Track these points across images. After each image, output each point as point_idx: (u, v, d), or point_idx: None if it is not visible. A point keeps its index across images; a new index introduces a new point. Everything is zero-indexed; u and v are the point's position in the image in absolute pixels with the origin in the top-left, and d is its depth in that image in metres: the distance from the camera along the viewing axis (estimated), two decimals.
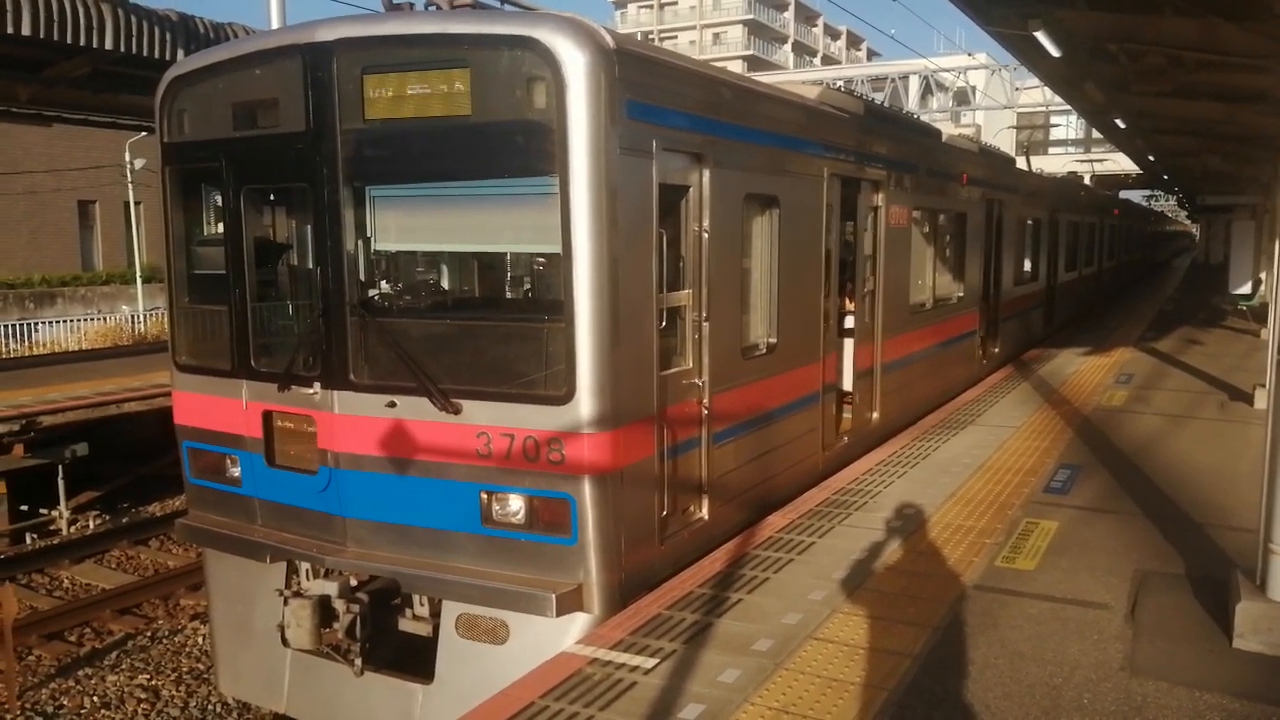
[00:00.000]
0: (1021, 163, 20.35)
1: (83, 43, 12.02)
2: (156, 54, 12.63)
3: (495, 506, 5.58)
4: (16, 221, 35.21)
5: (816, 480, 8.27)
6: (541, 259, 6.04)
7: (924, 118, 22.18)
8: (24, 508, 12.40)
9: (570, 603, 5.42)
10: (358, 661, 5.98)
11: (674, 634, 5.21)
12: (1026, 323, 17.57)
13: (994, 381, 13.71)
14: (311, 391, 5.97)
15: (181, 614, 10.09)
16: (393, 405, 5.76)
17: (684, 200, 6.26)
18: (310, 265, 6.14)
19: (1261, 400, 11.19)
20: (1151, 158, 28.68)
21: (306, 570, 6.32)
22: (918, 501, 7.62)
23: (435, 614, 5.91)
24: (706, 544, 6.53)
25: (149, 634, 9.59)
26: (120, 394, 13.74)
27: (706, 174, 6.28)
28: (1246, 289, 23.36)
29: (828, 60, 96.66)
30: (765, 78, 20.00)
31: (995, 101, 33.54)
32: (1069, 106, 22.70)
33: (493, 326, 6.03)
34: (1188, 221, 78.85)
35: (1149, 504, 7.65)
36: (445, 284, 6.71)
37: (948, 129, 14.56)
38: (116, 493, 13.66)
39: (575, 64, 5.16)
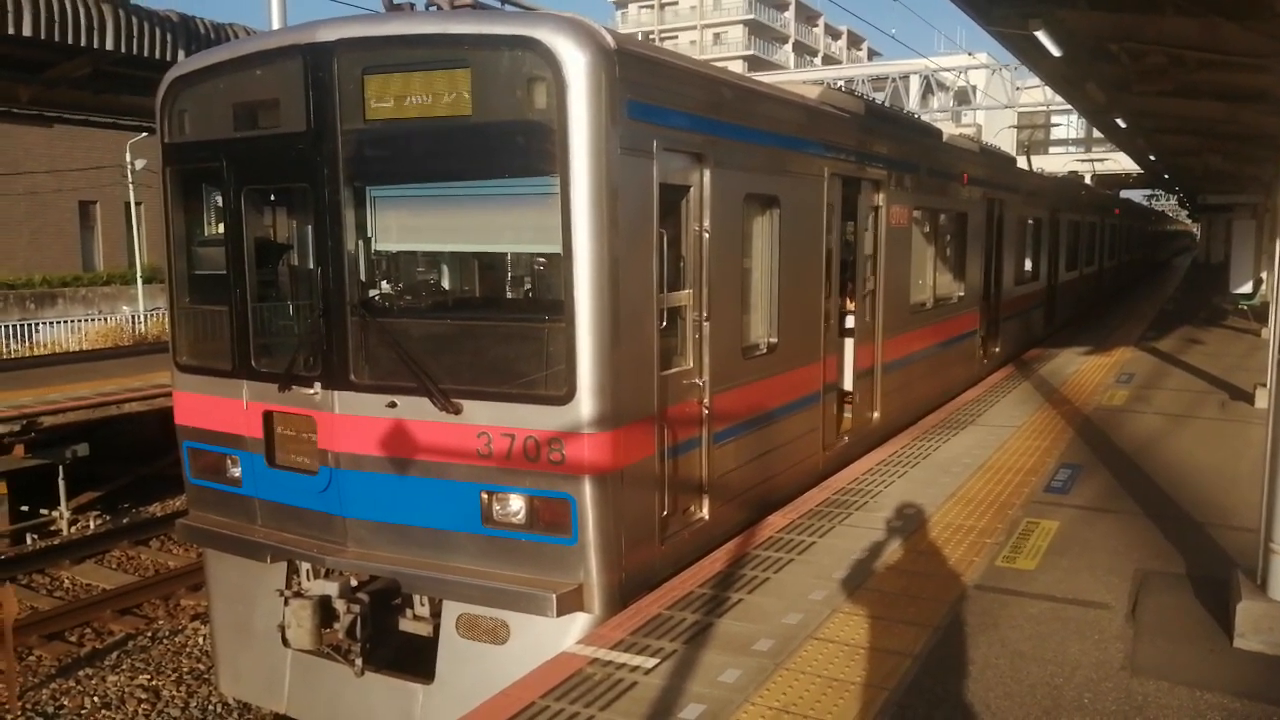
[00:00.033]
0: (1022, 162, 20.34)
1: (83, 43, 12.03)
2: (157, 55, 12.64)
3: (496, 506, 5.58)
4: (17, 222, 35.22)
5: (817, 480, 8.27)
6: (542, 259, 6.05)
7: (925, 117, 22.17)
8: (25, 508, 12.41)
9: (571, 603, 5.42)
10: (358, 662, 5.98)
11: (674, 634, 5.21)
12: (1027, 322, 17.56)
13: (994, 381, 13.71)
14: (312, 392, 5.97)
15: (182, 614, 10.09)
16: (393, 405, 5.76)
17: (684, 200, 6.26)
18: (311, 265, 6.14)
19: (1262, 399, 11.19)
20: (1152, 157, 28.67)
21: (307, 570, 6.32)
22: (918, 501, 7.62)
23: (436, 614, 5.91)
24: (707, 544, 6.53)
25: (149, 634, 9.59)
26: (121, 394, 13.74)
27: (707, 174, 6.28)
28: (1247, 288, 23.36)
29: (828, 60, 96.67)
30: (766, 77, 20.00)
31: (996, 101, 33.55)
32: (1070, 106, 22.69)
33: (493, 326, 6.03)
34: (1188, 221, 78.85)
35: (1150, 503, 7.65)
36: (446, 284, 6.71)
37: (948, 129, 14.57)
38: (117, 493, 13.67)
39: (576, 64, 5.16)
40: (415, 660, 6.05)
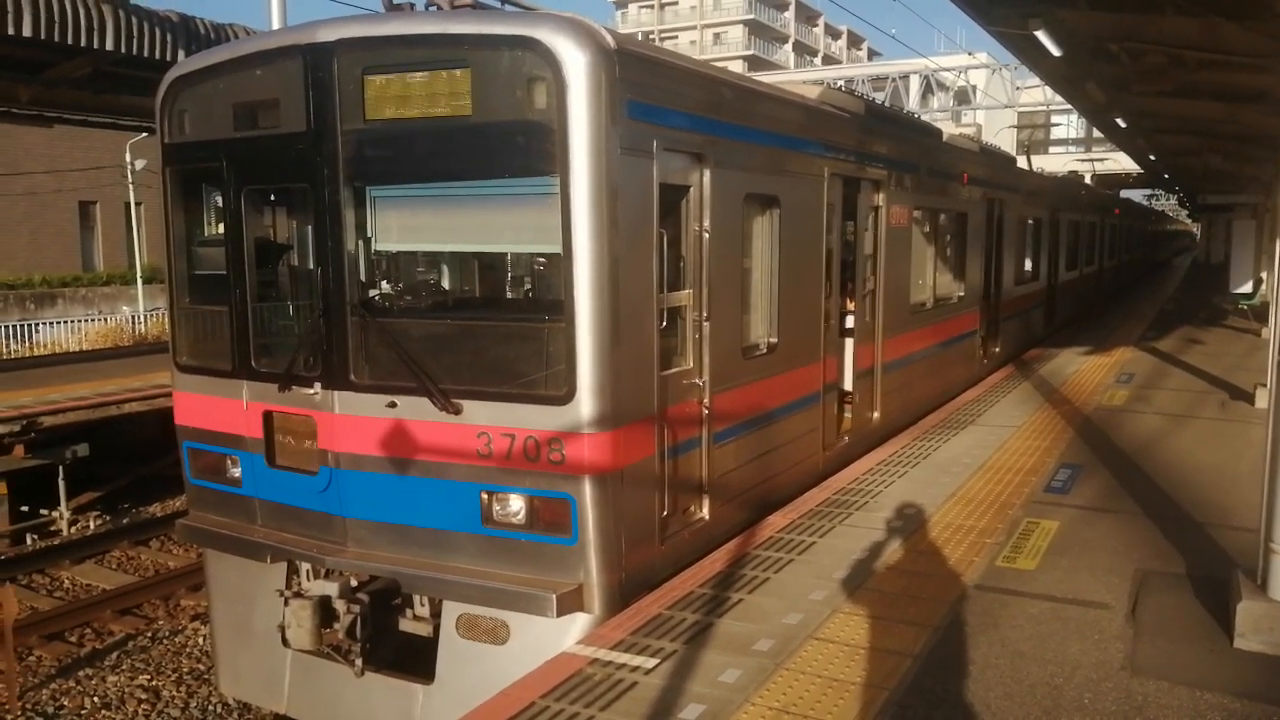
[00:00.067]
0: (1022, 162, 20.34)
1: (83, 44, 12.04)
2: (157, 55, 12.65)
3: (496, 506, 5.58)
4: (17, 222, 35.20)
5: (817, 480, 8.27)
6: (542, 259, 6.05)
7: (925, 117, 22.17)
8: (24, 508, 12.40)
9: (571, 603, 5.42)
10: (358, 662, 5.98)
11: (674, 634, 5.21)
12: (1027, 322, 17.56)
13: (994, 381, 13.71)
14: (312, 392, 5.97)
15: (182, 614, 10.09)
16: (393, 405, 5.76)
17: (685, 200, 6.26)
18: (311, 265, 6.14)
19: (1262, 399, 11.19)
20: (1152, 157, 28.68)
21: (307, 570, 6.32)
22: (918, 501, 7.62)
23: (436, 614, 5.91)
24: (707, 544, 6.53)
25: (149, 634, 9.59)
26: (121, 394, 13.74)
27: (707, 174, 6.28)
28: (1247, 288, 23.36)
29: (828, 60, 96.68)
30: (766, 77, 20.00)
31: (996, 101, 33.55)
32: (1070, 106, 22.69)
33: (493, 326, 6.03)
34: (1188, 221, 78.87)
35: (1150, 503, 7.65)
36: (446, 284, 6.71)
37: (948, 128, 14.58)
38: (117, 493, 13.67)
39: (576, 64, 5.16)
40: (415, 660, 6.05)
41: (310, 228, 6.08)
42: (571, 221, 5.23)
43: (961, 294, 12.78)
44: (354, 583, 6.12)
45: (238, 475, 6.50)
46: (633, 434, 5.60)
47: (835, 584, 5.92)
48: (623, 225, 5.40)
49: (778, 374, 7.42)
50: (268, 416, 6.26)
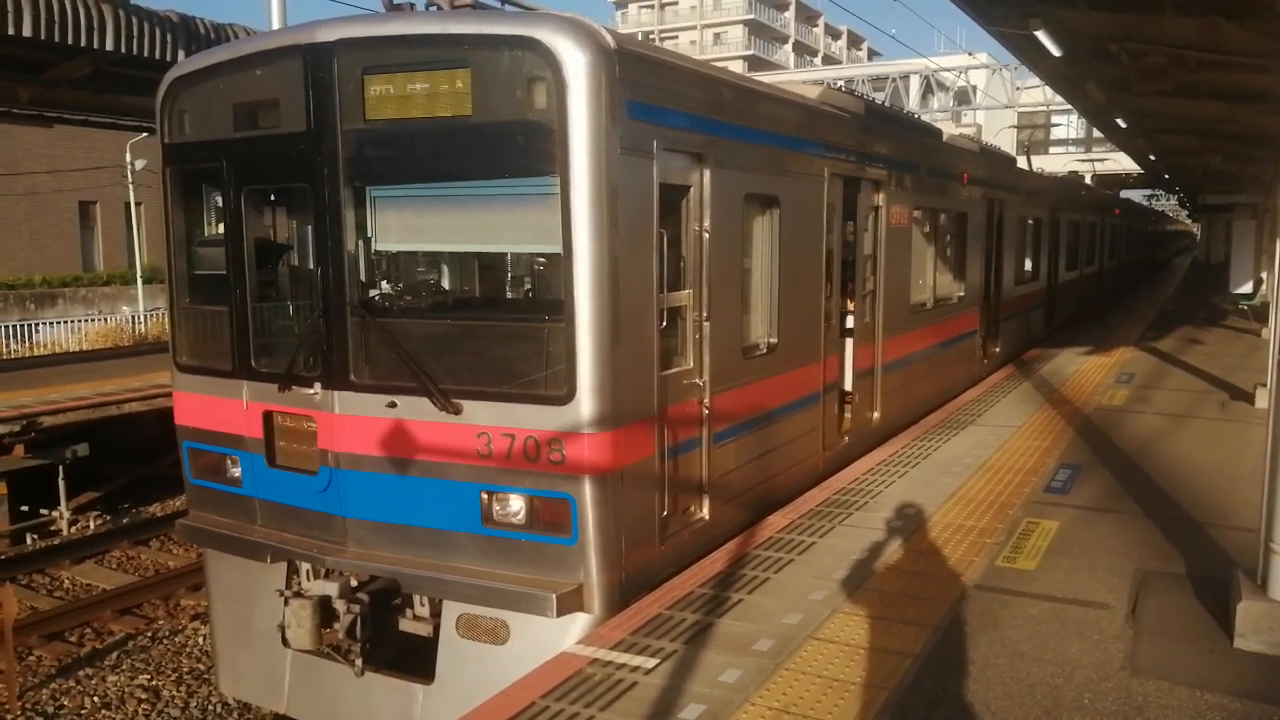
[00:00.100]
0: (1022, 162, 20.35)
1: (83, 44, 12.04)
2: (157, 55, 12.64)
3: (496, 506, 5.58)
4: (17, 222, 35.21)
5: (817, 480, 8.27)
6: (542, 259, 6.04)
7: (925, 117, 22.17)
8: (24, 508, 12.41)
9: (571, 603, 5.42)
10: (358, 662, 5.98)
11: (674, 634, 5.21)
12: (1027, 322, 17.57)
13: (995, 381, 13.71)
14: (312, 392, 5.97)
15: (182, 614, 10.09)
16: (393, 405, 5.76)
17: (685, 200, 6.26)
18: (311, 265, 6.14)
19: (1262, 400, 11.18)
20: (1152, 157, 28.68)
21: (307, 570, 6.32)
22: (918, 501, 7.62)
23: (436, 614, 5.91)
24: (707, 544, 6.53)
25: (149, 634, 9.59)
26: (121, 394, 13.74)
27: (707, 174, 6.28)
28: (1247, 288, 23.37)
29: (828, 60, 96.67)
30: (766, 77, 20.00)
31: (996, 101, 33.55)
32: (1070, 106, 22.69)
33: (493, 326, 6.03)
34: (1188, 221, 78.85)
35: (1150, 503, 7.65)
36: (446, 284, 6.71)
37: (948, 128, 14.58)
38: (117, 493, 13.67)
39: (576, 64, 5.16)
40: (415, 660, 6.05)
41: (310, 228, 6.08)
42: (571, 221, 5.23)
43: (961, 294, 12.78)
44: (354, 583, 6.12)
45: (238, 475, 6.50)
46: (633, 434, 5.60)
47: (835, 584, 5.92)
48: (623, 225, 5.40)
49: (778, 374, 7.42)
50: (268, 416, 6.26)
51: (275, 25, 12.29)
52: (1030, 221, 17.02)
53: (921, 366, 11.10)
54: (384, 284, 6.17)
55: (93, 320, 28.13)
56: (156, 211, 8.52)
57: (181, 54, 12.67)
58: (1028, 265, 17.35)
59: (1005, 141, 39.42)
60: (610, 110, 5.26)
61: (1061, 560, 6.34)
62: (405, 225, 6.05)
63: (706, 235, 6.31)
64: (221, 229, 6.49)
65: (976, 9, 10.64)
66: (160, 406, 13.20)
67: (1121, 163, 37.86)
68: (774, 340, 7.35)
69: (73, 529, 12.63)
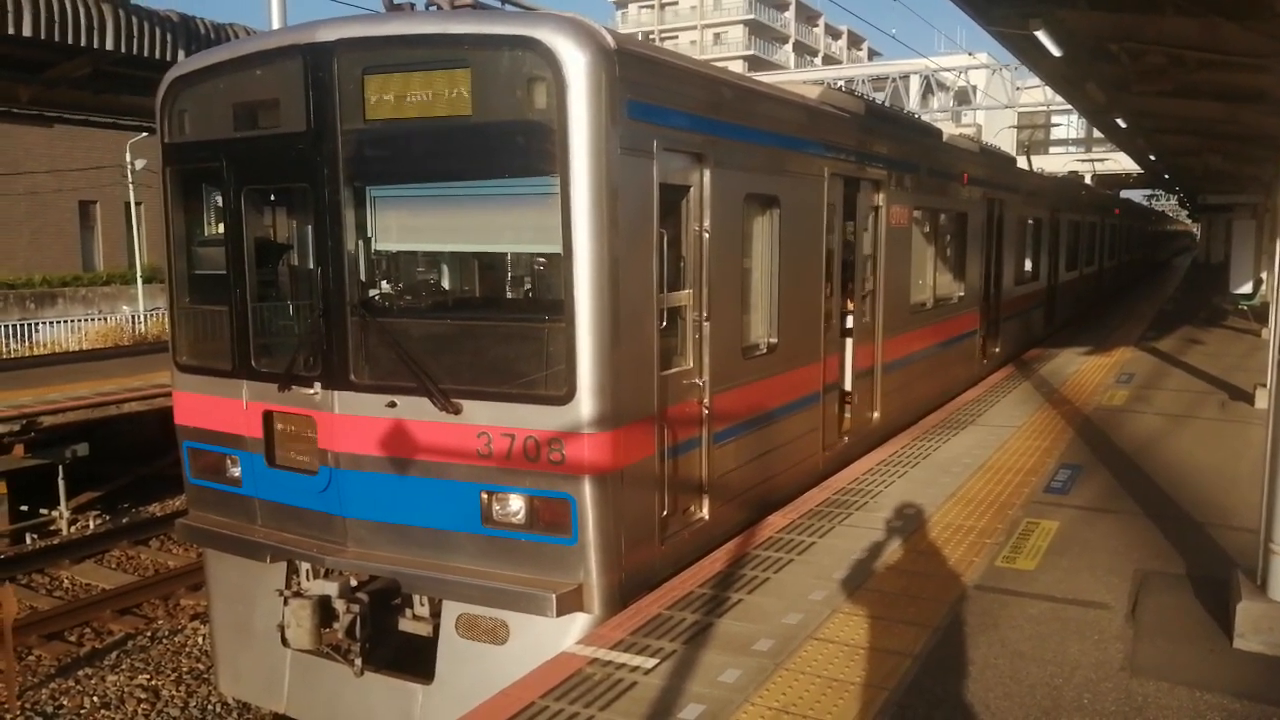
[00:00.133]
0: (1022, 162, 20.35)
1: (83, 43, 12.03)
2: (157, 55, 12.64)
3: (495, 506, 5.58)
4: (18, 222, 35.22)
5: (817, 480, 8.27)
6: (542, 259, 6.04)
7: (925, 117, 22.17)
8: (24, 508, 12.41)
9: (570, 603, 5.42)
10: (358, 661, 5.98)
11: (674, 634, 5.21)
12: (1027, 322, 17.57)
13: (994, 381, 13.71)
14: (312, 392, 5.97)
15: (181, 614, 10.09)
16: (393, 405, 5.76)
17: (685, 200, 6.26)
18: (311, 265, 6.14)
19: (1262, 400, 11.18)
20: (1152, 157, 28.68)
21: (307, 570, 6.32)
22: (918, 501, 7.62)
23: (435, 614, 5.91)
24: (707, 544, 6.53)
25: (149, 634, 9.59)
26: (120, 394, 13.74)
27: (707, 174, 6.28)
28: (1247, 288, 23.37)
29: (828, 60, 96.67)
30: (766, 77, 20.00)
31: (996, 101, 33.54)
32: (1070, 106, 22.69)
33: (493, 326, 6.03)
34: (1188, 221, 78.85)
35: (1150, 504, 7.65)
36: (446, 284, 6.71)
37: (948, 129, 14.58)
38: (117, 493, 13.67)
39: (576, 64, 5.16)
40: (415, 660, 6.05)
41: (310, 228, 6.08)
42: (571, 221, 5.23)
43: (961, 294, 12.78)
44: (354, 582, 6.12)
45: (237, 475, 6.50)
46: (632, 434, 5.60)
47: (835, 584, 5.92)
48: (623, 225, 5.40)
49: (778, 374, 7.42)
50: (267, 416, 6.26)
51: (275, 25, 12.29)
52: (1030, 222, 17.03)
53: (921, 366, 11.10)
54: (384, 284, 6.17)
55: (92, 320, 28.14)
56: (156, 211, 8.52)
57: (181, 54, 12.66)
58: (1027, 265, 17.35)
59: (1005, 141, 39.43)
60: (610, 110, 5.26)
61: (1061, 560, 6.34)
62: (405, 225, 6.05)
63: (706, 235, 6.31)
64: (221, 229, 6.49)
65: (976, 9, 10.64)
66: (160, 406, 13.20)
67: (1121, 163, 37.86)
68: (774, 340, 7.35)
69: (72, 529, 12.63)
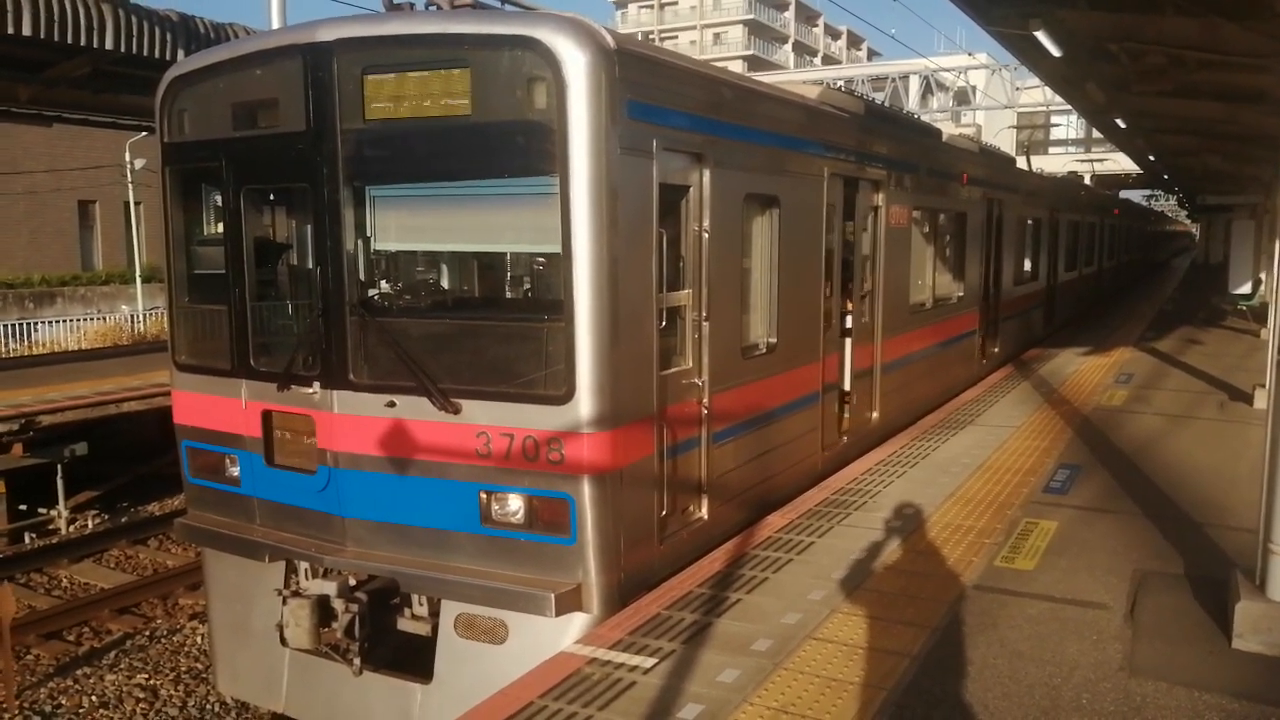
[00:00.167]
0: (1022, 162, 20.35)
1: (83, 43, 12.03)
2: (157, 54, 12.64)
3: (494, 506, 5.58)
4: (16, 221, 35.19)
5: (816, 480, 8.27)
6: (541, 259, 6.04)
7: (924, 117, 22.17)
8: (23, 507, 12.40)
9: (569, 602, 5.42)
10: (356, 661, 5.98)
11: (673, 634, 5.21)
12: (1026, 322, 17.57)
13: (994, 381, 13.71)
14: (311, 391, 5.97)
15: (180, 613, 10.09)
16: (392, 405, 5.75)
17: (684, 200, 6.26)
18: (310, 265, 6.14)
19: (1261, 400, 11.19)
20: (1152, 157, 28.68)
21: (305, 570, 6.32)
22: (917, 501, 7.62)
23: (434, 614, 5.91)
24: (706, 544, 6.53)
25: (148, 633, 9.59)
26: (119, 393, 13.74)
27: (707, 174, 6.28)
28: (1246, 289, 23.38)
29: (828, 60, 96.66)
30: (766, 77, 20.00)
31: (995, 101, 33.56)
32: (1069, 106, 22.69)
33: (492, 326, 6.03)
34: (1188, 221, 78.87)
35: (1149, 504, 7.65)
36: (445, 284, 6.70)
37: (948, 129, 14.56)
38: (115, 492, 13.66)
39: (576, 64, 5.16)
40: (413, 660, 6.05)
41: (310, 227, 6.08)
42: (571, 221, 5.23)
43: (961, 294, 12.78)
44: (352, 582, 6.12)
45: (236, 474, 6.50)
46: (632, 434, 5.60)
47: (834, 584, 5.92)
48: (622, 225, 5.40)
49: (777, 374, 7.42)
50: (266, 416, 6.25)
51: (275, 25, 12.27)
52: (1029, 222, 17.03)
53: (921, 366, 11.11)
54: (383, 283, 6.17)
55: (91, 319, 28.13)
56: (156, 211, 8.52)
57: (181, 53, 12.66)
58: (1027, 265, 17.36)
59: (1005, 142, 39.43)
60: (610, 110, 5.26)
61: (1060, 560, 6.34)
62: (404, 225, 6.05)
63: (706, 235, 6.31)
64: (221, 228, 6.49)
65: (976, 9, 10.65)
66: (159, 405, 13.20)
67: (1121, 163, 37.86)
68: (773, 340, 7.35)
69: (71, 528, 12.63)
